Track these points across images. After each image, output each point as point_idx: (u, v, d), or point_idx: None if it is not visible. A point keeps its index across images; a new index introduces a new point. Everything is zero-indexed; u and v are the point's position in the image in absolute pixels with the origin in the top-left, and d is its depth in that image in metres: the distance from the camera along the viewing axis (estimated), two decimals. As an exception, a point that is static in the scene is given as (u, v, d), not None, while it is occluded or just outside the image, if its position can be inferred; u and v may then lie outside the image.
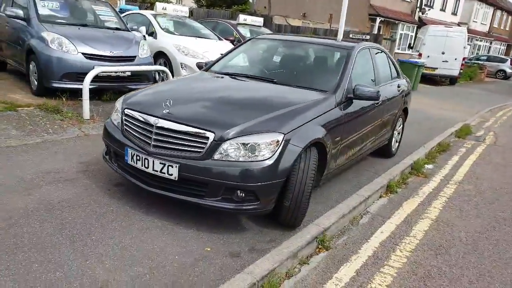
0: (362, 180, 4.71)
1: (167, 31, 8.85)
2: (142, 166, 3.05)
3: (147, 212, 3.25)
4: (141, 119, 3.14)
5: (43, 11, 6.55)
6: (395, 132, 5.65)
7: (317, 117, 3.34)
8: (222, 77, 4.14)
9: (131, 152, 3.12)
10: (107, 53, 6.06)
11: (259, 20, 11.66)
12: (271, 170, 2.85)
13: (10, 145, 4.31)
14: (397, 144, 5.90)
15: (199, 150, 2.88)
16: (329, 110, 3.53)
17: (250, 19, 11.38)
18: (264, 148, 2.88)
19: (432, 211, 4.31)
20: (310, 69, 4.29)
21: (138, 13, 9.43)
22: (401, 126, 5.87)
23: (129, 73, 6.19)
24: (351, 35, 15.87)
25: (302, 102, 3.44)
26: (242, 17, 11.23)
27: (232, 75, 4.17)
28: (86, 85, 5.24)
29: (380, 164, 5.41)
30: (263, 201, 2.91)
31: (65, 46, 5.81)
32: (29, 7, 6.37)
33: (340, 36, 11.55)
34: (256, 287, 2.54)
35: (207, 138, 2.87)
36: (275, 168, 2.87)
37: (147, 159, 3.01)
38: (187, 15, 9.80)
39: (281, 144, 2.92)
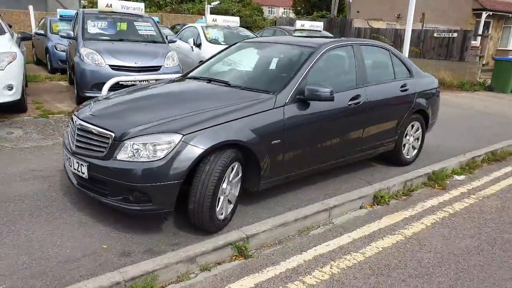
0: (345, 187, 4.28)
1: (215, 41, 9.22)
2: (68, 165, 3.29)
3: (83, 208, 3.46)
4: (73, 121, 3.39)
5: (92, 30, 7.42)
6: (409, 137, 5.01)
7: (241, 118, 3.18)
8: (182, 82, 4.22)
9: (64, 152, 3.39)
10: (132, 64, 6.59)
11: (318, 25, 11.37)
12: (163, 171, 2.81)
13: (23, 147, 4.97)
14: (415, 151, 5.21)
15: (102, 150, 2.99)
16: (262, 111, 3.33)
17: (308, 25, 11.18)
18: (161, 149, 2.86)
19: (414, 227, 3.73)
20: (268, 71, 4.09)
21: (191, 26, 10.01)
22: (420, 131, 5.17)
23: (153, 81, 6.60)
24: (435, 34, 14.43)
25: (231, 104, 3.31)
26: (299, 23, 11.10)
27: (197, 79, 4.21)
28: (103, 93, 5.76)
29: (385, 172, 4.85)
30: (157, 202, 2.88)
31: (96, 60, 6.49)
32: (78, 27, 7.27)
33: (407, 34, 10.67)
34: (121, 286, 2.53)
35: (108, 138, 2.97)
36: (168, 169, 2.82)
37: (70, 158, 3.22)
38: (238, 24, 10.06)
39: (177, 144, 2.86)
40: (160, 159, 2.83)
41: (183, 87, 4.00)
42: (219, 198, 3.08)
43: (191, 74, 4.48)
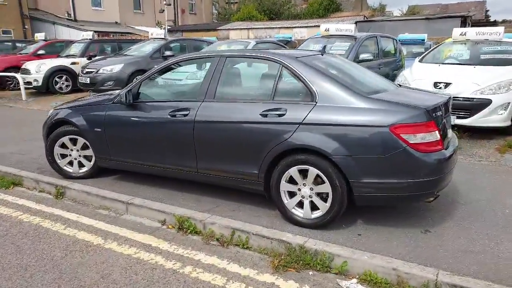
0: (194, 205, 4.12)
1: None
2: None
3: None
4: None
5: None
6: (300, 187, 3.51)
7: (81, 105, 4.69)
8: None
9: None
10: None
11: None
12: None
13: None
14: (317, 212, 3.47)
15: None
16: (94, 104, 4.59)
17: None
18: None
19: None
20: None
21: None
22: (327, 184, 3.36)
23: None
24: None
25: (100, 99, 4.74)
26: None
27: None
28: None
29: (266, 218, 3.78)
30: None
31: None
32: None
33: None
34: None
35: None
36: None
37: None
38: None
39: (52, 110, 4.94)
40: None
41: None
42: (59, 155, 4.78)
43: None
